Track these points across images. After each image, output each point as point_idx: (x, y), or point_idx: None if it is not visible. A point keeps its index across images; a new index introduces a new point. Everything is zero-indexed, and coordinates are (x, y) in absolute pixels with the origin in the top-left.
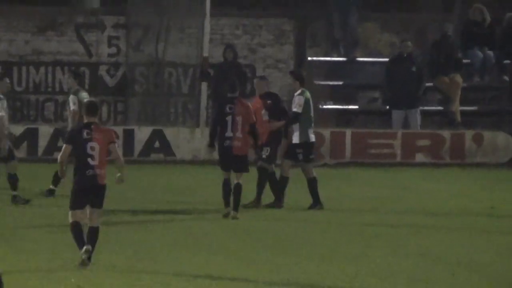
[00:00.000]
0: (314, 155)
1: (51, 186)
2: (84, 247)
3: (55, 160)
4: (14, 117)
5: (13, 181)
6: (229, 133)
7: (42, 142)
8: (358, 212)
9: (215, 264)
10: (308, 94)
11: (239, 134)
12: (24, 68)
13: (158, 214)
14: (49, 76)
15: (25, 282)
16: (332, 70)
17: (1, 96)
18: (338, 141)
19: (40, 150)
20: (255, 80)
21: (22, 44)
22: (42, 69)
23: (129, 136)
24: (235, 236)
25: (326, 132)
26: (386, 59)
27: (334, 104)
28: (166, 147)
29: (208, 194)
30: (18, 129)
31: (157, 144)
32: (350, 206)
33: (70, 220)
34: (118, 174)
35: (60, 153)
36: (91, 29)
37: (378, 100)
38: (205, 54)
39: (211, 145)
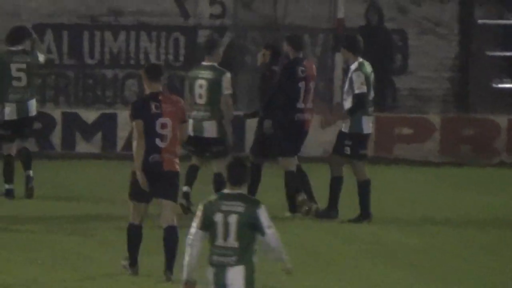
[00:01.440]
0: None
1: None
2: (129, 261)
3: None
4: (86, 100)
5: None
6: (300, 104)
7: (122, 133)
8: None
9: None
10: (367, 68)
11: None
12: (97, 34)
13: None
14: (132, 44)
15: None
16: (509, 37)
17: None
18: None
19: (120, 143)
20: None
21: (95, 1)
22: (121, 35)
23: (238, 124)
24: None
25: (502, 120)
26: None
27: None
28: None
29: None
30: (90, 115)
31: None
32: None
33: (130, 219)
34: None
35: (134, 140)
36: None
37: None
38: (340, 15)
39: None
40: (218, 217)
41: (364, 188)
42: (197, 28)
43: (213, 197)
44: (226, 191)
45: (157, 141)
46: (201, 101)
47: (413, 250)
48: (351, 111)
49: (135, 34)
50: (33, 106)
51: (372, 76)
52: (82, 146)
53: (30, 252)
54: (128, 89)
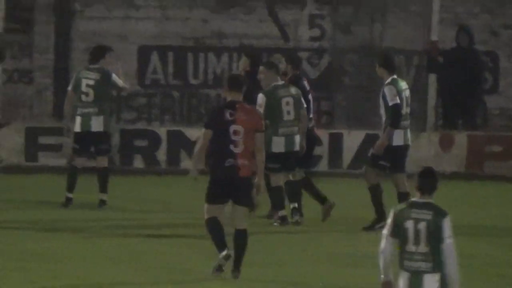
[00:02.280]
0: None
1: None
2: (224, 252)
3: None
4: (189, 118)
5: None
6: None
7: None
8: None
9: None
10: (400, 84)
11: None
12: (201, 55)
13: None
14: (234, 65)
15: None
16: None
17: None
18: None
19: None
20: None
21: (199, 24)
22: (224, 57)
23: (336, 142)
24: None
25: None
26: None
27: None
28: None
29: None
30: (194, 133)
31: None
32: None
33: (206, 216)
34: (256, 179)
35: (198, 144)
36: (288, 5)
37: None
38: (434, 37)
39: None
40: (409, 224)
41: (374, 193)
42: (296, 50)
43: (402, 205)
44: (415, 199)
45: (231, 147)
46: (290, 117)
47: (506, 264)
48: (391, 124)
49: (237, 55)
50: (98, 122)
51: (406, 93)
52: (186, 163)
53: (139, 263)
54: None
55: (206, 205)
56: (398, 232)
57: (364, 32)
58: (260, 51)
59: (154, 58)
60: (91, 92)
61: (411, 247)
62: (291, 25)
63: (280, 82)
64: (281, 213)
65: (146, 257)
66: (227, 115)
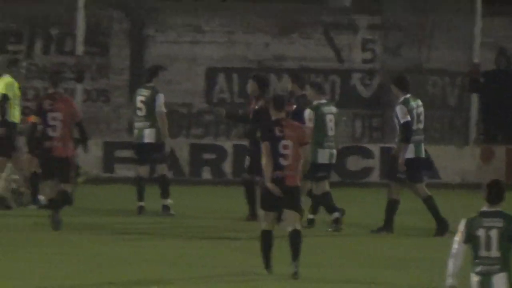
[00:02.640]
0: (423, 173)
1: None
2: (268, 269)
3: None
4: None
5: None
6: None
7: None
8: None
9: None
10: (411, 102)
11: None
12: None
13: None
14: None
15: None
16: None
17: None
18: None
19: None
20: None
21: (261, 47)
22: (284, 78)
23: (386, 155)
24: None
25: None
26: None
27: None
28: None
29: None
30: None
31: None
32: None
33: (262, 225)
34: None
35: (264, 155)
36: (342, 30)
37: None
38: (476, 60)
39: None
40: (480, 232)
41: (390, 206)
42: (350, 72)
43: (474, 215)
44: (485, 209)
45: (281, 160)
46: (332, 132)
47: None
48: (402, 139)
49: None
50: (150, 134)
51: (418, 110)
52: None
53: (200, 266)
54: None
55: (261, 212)
56: (470, 239)
57: (411, 54)
58: (301, 72)
59: (221, 79)
60: (143, 107)
61: (483, 252)
62: (345, 49)
63: (323, 100)
64: (334, 215)
65: (208, 260)
66: (277, 131)
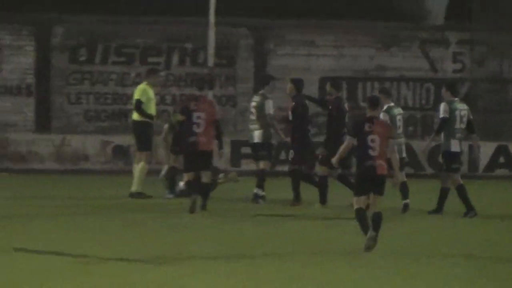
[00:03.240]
0: (459, 166)
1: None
2: (369, 233)
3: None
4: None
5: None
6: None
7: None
8: None
9: None
10: (457, 105)
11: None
12: (368, 84)
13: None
14: (394, 92)
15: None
16: None
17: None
18: None
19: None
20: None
21: (367, 59)
22: (386, 85)
23: (472, 151)
24: None
25: None
26: None
27: None
28: (511, 163)
29: None
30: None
31: (501, 160)
32: None
33: (355, 206)
34: (393, 177)
35: (342, 146)
36: (436, 45)
37: None
38: None
39: None
40: None
41: (460, 192)
42: (442, 80)
43: None
44: None
45: (370, 151)
46: (400, 130)
47: None
48: (436, 131)
49: (397, 84)
50: (258, 135)
51: (461, 112)
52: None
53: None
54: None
55: (354, 198)
56: None
57: (495, 65)
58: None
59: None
60: (254, 112)
61: None
62: (438, 60)
63: (392, 104)
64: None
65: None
66: (366, 127)
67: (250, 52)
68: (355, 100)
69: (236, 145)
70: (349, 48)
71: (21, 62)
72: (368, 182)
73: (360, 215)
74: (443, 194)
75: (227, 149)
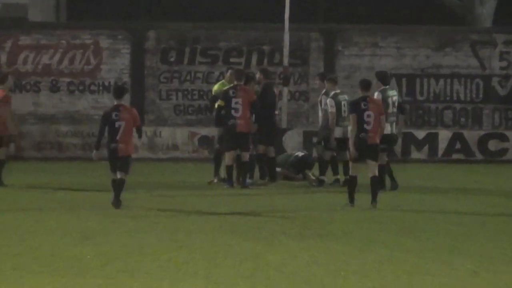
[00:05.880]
0: (385, 146)
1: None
2: (352, 203)
3: (453, 161)
4: (417, 123)
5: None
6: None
7: (442, 145)
8: None
9: None
10: (388, 93)
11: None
12: (425, 80)
13: None
14: (447, 87)
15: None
16: None
17: None
18: None
19: (440, 153)
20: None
21: (424, 58)
22: (441, 81)
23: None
24: None
25: None
26: None
27: None
28: None
29: None
30: (419, 134)
31: None
32: None
33: (351, 173)
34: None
35: (351, 126)
36: (485, 45)
37: None
38: None
39: None
40: None
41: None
42: (491, 76)
43: None
44: None
45: (365, 125)
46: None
47: None
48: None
49: (450, 80)
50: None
51: (393, 98)
52: (415, 154)
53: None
54: (446, 116)
55: (350, 163)
56: None
57: None
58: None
59: (392, 82)
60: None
61: None
62: (487, 59)
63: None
64: None
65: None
66: (362, 105)
67: (321, 53)
68: (414, 94)
69: (307, 135)
70: (409, 48)
71: (118, 63)
72: (363, 151)
73: (352, 182)
74: (380, 170)
75: (300, 139)
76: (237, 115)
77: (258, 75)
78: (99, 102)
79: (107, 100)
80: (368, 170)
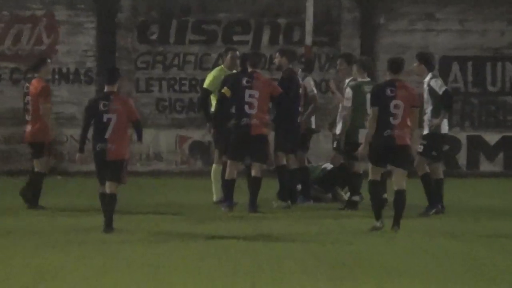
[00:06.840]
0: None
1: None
2: (378, 224)
3: None
4: (488, 124)
5: None
6: None
7: None
8: None
9: None
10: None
11: None
12: (499, 65)
13: None
14: None
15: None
16: None
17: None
18: None
19: None
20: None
21: (497, 35)
22: None
23: None
24: None
25: None
26: None
27: None
28: None
29: None
30: (493, 138)
31: None
32: None
33: (370, 177)
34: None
35: (369, 117)
36: None
37: None
38: None
39: None
40: None
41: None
42: None
43: None
44: None
45: (391, 119)
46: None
47: None
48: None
49: None
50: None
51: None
52: (485, 166)
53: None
54: None
55: (370, 166)
56: None
57: None
58: None
59: (455, 67)
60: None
61: None
62: None
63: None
64: None
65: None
66: (389, 91)
67: (356, 28)
68: (483, 84)
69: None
70: (476, 22)
71: (80, 42)
72: (385, 153)
73: (373, 189)
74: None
75: (327, 145)
76: (252, 112)
77: (278, 58)
78: (55, 96)
79: (66, 93)
80: (393, 181)
